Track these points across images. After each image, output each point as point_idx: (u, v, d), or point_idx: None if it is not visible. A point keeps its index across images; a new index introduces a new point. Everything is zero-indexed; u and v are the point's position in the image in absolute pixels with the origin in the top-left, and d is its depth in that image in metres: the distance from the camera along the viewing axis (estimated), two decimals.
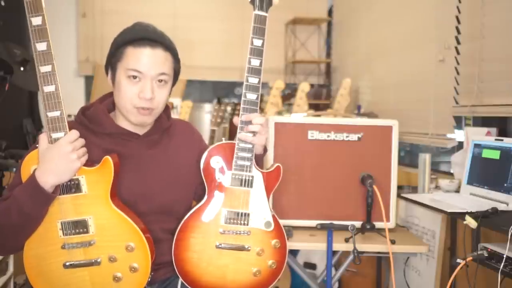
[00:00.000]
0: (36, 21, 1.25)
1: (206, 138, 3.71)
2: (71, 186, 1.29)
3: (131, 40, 1.36)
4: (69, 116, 1.42)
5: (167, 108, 1.53)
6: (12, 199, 1.26)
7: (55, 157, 1.25)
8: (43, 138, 1.28)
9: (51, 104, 1.27)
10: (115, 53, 1.38)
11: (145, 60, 1.35)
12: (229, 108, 3.51)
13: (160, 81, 1.38)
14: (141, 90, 1.35)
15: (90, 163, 1.32)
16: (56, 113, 1.27)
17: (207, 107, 4.61)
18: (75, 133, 1.28)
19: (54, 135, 1.27)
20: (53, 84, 1.27)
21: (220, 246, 1.44)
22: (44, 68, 1.26)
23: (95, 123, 1.41)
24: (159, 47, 1.37)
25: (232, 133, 3.44)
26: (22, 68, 2.64)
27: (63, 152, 1.25)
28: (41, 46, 1.26)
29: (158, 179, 1.45)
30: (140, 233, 1.32)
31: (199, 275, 1.45)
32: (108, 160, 1.31)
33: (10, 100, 2.53)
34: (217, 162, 1.46)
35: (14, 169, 2.29)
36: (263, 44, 1.43)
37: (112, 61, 1.39)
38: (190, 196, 1.55)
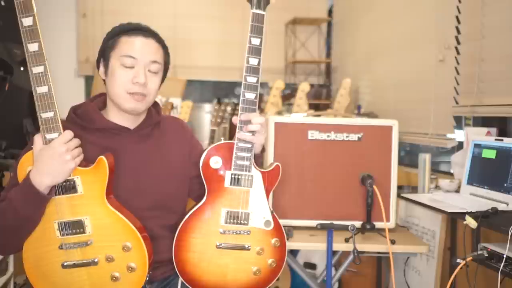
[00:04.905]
0: (27, 21, 1.24)
1: (206, 138, 3.71)
2: (67, 187, 1.29)
3: (125, 30, 1.41)
4: None
5: (157, 105, 1.55)
6: (7, 201, 1.27)
7: (49, 158, 1.24)
8: (37, 139, 1.28)
9: (44, 105, 1.26)
10: (108, 43, 1.41)
11: (138, 46, 1.39)
12: (229, 108, 3.51)
13: (152, 71, 1.41)
14: (135, 76, 1.38)
15: (85, 162, 1.32)
16: (50, 114, 1.27)
17: (207, 107, 4.61)
18: (69, 134, 1.28)
19: (48, 136, 1.27)
20: (46, 85, 1.26)
21: (220, 246, 1.44)
22: (37, 69, 1.25)
23: (86, 120, 1.42)
24: (151, 37, 1.42)
25: (232, 133, 3.43)
26: (22, 68, 2.63)
27: (57, 153, 1.24)
28: (32, 47, 1.25)
29: (151, 173, 1.46)
30: (137, 232, 1.32)
31: (199, 275, 1.45)
32: (103, 160, 1.31)
33: (10, 100, 2.53)
34: (216, 162, 1.45)
35: None
36: (261, 42, 1.42)
37: (105, 52, 1.42)
38: (184, 190, 1.54)
